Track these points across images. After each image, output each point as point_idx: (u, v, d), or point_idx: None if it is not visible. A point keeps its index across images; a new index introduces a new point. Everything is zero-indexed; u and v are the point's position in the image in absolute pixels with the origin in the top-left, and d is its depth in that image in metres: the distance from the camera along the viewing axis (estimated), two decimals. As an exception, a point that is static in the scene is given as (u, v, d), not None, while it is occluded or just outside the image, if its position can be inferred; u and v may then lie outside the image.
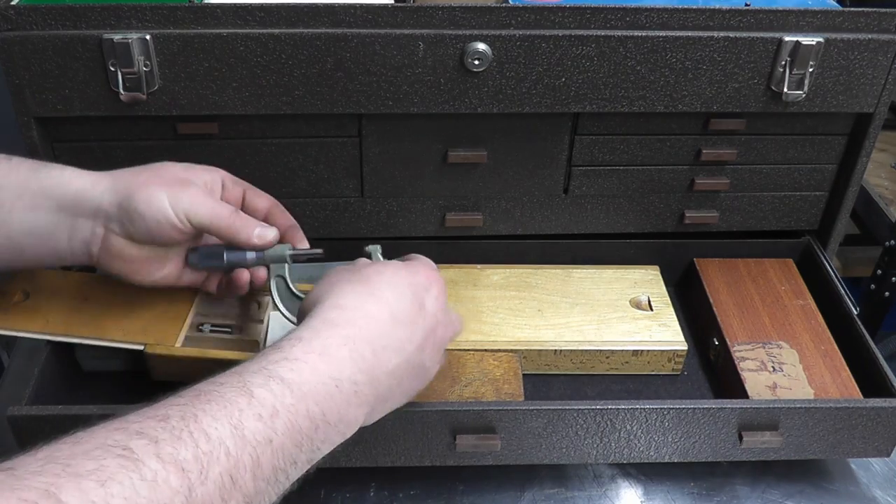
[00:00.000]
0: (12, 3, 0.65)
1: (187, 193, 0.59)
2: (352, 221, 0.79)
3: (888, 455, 0.68)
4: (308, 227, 0.78)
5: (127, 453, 0.38)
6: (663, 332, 0.76)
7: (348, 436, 0.49)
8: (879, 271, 1.34)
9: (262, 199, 0.67)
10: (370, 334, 0.50)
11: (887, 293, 1.33)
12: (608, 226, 0.82)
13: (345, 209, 0.78)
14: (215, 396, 0.42)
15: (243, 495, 0.41)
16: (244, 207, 0.66)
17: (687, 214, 0.81)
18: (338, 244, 0.80)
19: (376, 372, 0.50)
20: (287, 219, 0.68)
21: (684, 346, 0.75)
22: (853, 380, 0.71)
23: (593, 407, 0.63)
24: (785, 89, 0.72)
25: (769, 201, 0.82)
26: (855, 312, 0.75)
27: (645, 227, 0.83)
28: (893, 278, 1.31)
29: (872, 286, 1.35)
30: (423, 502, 0.67)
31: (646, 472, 0.70)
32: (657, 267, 0.84)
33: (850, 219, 1.24)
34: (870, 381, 0.70)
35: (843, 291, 0.77)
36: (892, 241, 1.30)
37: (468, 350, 0.72)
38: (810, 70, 0.71)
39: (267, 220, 0.66)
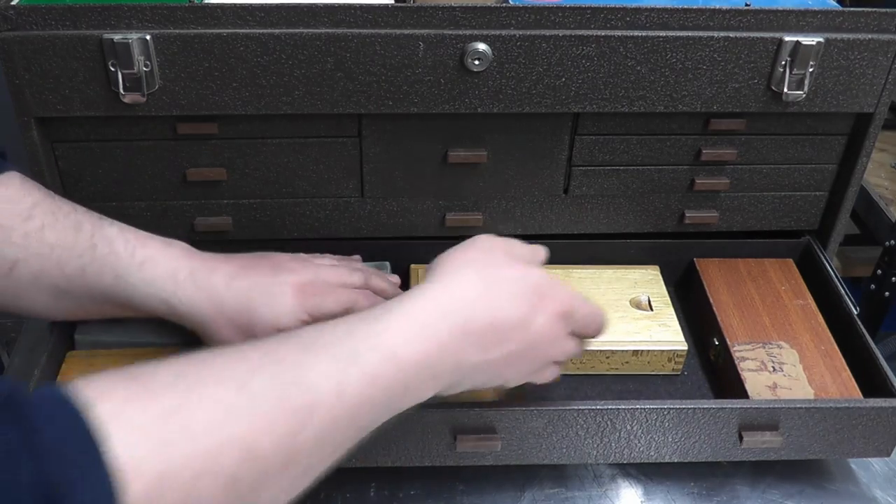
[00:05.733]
0: (12, 3, 0.65)
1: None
2: (352, 221, 0.79)
3: (888, 455, 0.68)
4: (308, 228, 0.79)
5: (245, 388, 0.42)
6: (663, 332, 0.76)
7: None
8: (879, 271, 1.33)
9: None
10: (466, 331, 0.52)
11: (887, 293, 1.33)
12: (608, 226, 0.82)
13: (345, 209, 0.78)
14: (328, 349, 0.46)
15: (332, 447, 0.46)
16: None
17: (687, 214, 0.81)
18: (338, 244, 0.80)
19: (462, 362, 0.52)
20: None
21: (684, 346, 0.75)
22: (853, 380, 0.71)
23: (594, 407, 0.63)
24: (785, 89, 0.72)
25: (769, 201, 0.82)
26: (855, 312, 0.75)
27: (645, 227, 0.83)
28: (893, 278, 1.31)
29: (872, 286, 1.35)
30: (422, 502, 0.67)
31: (646, 472, 0.70)
32: (657, 267, 0.83)
33: (850, 219, 1.23)
34: (870, 381, 0.70)
35: (843, 291, 0.77)
36: (892, 241, 1.30)
37: None
38: (810, 70, 0.71)
39: None
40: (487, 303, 0.53)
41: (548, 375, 0.60)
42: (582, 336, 0.61)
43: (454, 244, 0.82)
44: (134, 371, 0.42)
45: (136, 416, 0.39)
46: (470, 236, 0.82)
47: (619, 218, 0.82)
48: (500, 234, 0.82)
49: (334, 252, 0.80)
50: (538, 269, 0.59)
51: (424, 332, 0.50)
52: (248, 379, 0.43)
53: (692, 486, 0.69)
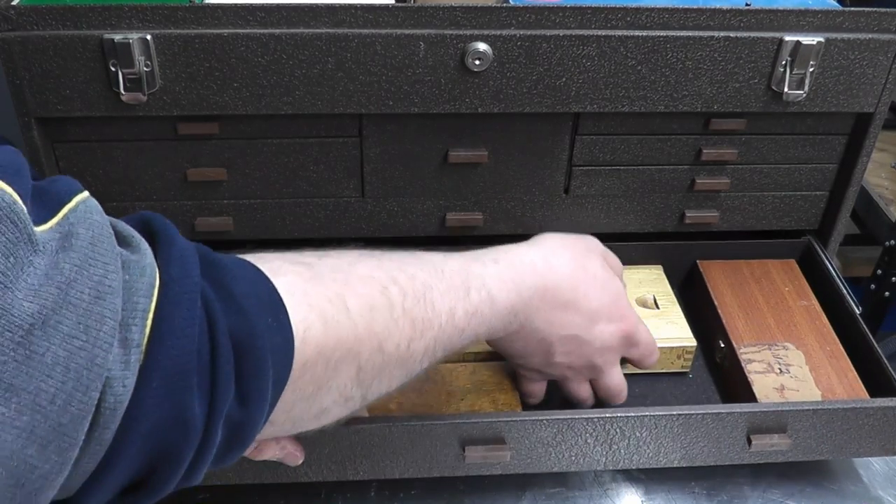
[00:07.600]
0: (12, 3, 0.65)
1: None
2: (352, 221, 0.79)
3: (895, 454, 0.68)
4: (308, 228, 0.79)
5: (385, 293, 0.49)
6: (671, 329, 0.76)
7: None
8: (879, 271, 1.34)
9: None
10: (546, 297, 0.60)
11: (887, 293, 1.33)
12: (609, 226, 0.82)
13: (345, 209, 0.78)
14: (448, 279, 0.53)
15: (431, 362, 0.53)
16: None
17: (687, 214, 0.81)
18: (338, 244, 0.80)
19: (532, 319, 0.60)
20: None
21: (693, 343, 0.75)
22: (860, 380, 0.70)
23: (603, 415, 0.62)
24: (785, 89, 0.72)
25: (770, 201, 0.82)
26: (858, 312, 0.75)
27: (645, 227, 0.83)
28: (893, 278, 1.31)
29: (872, 286, 1.35)
30: (423, 502, 0.67)
31: (647, 473, 0.70)
32: (660, 266, 0.83)
33: (850, 219, 1.24)
34: (874, 381, 0.70)
35: (845, 291, 0.77)
36: (892, 241, 1.31)
37: (459, 362, 0.71)
38: (811, 70, 0.71)
39: None
40: (574, 283, 0.61)
41: (582, 392, 0.67)
42: (638, 365, 0.67)
43: (454, 244, 0.82)
44: (294, 257, 0.48)
45: (308, 294, 0.44)
46: (470, 236, 0.82)
47: (619, 218, 0.82)
48: (500, 234, 0.83)
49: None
50: (621, 283, 0.66)
51: (518, 287, 0.58)
52: (387, 284, 0.49)
53: (693, 486, 0.69)
